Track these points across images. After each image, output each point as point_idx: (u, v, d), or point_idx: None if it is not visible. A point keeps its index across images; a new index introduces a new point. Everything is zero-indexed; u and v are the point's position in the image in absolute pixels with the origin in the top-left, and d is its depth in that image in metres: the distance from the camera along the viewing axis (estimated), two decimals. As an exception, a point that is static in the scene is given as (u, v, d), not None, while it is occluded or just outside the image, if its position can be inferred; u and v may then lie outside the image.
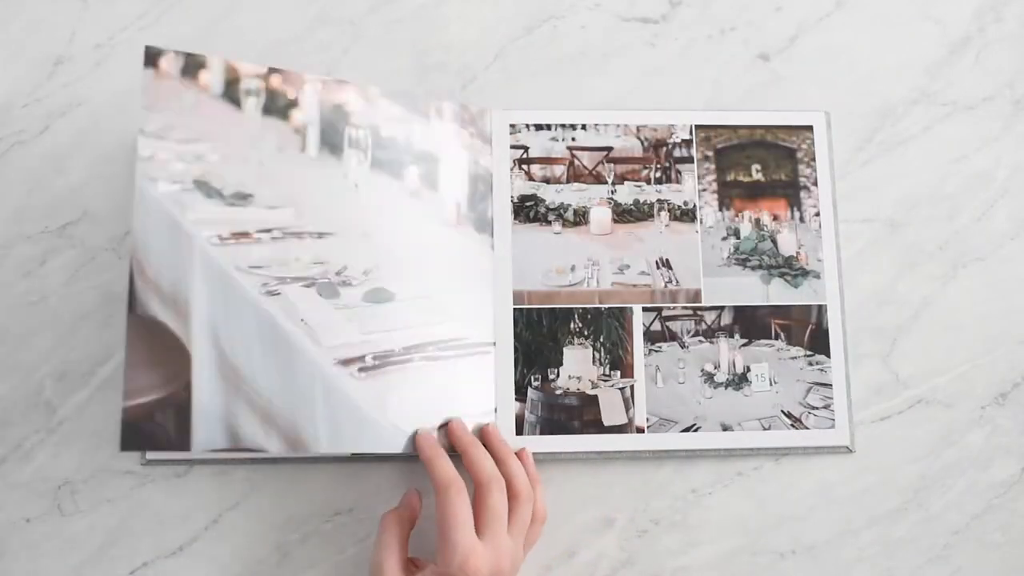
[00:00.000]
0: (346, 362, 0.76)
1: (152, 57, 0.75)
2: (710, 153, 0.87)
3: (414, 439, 0.77)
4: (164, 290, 0.73)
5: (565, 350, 0.83)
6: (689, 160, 0.87)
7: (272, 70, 0.79)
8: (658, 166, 0.87)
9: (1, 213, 0.86)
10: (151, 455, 0.81)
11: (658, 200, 0.86)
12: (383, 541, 0.75)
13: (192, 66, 0.76)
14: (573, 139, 0.87)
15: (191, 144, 0.75)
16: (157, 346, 0.72)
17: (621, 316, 0.84)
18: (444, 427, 0.79)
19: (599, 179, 0.87)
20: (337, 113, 0.80)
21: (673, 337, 0.84)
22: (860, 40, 0.90)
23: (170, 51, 0.76)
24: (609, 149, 0.87)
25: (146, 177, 0.74)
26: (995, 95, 0.90)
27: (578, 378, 0.83)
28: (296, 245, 0.77)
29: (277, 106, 0.79)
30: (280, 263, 0.76)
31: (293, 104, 0.79)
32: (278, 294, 0.76)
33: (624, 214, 0.86)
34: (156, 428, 0.71)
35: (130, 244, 0.74)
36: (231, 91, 0.77)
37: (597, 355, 0.83)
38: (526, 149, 0.86)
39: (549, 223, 0.85)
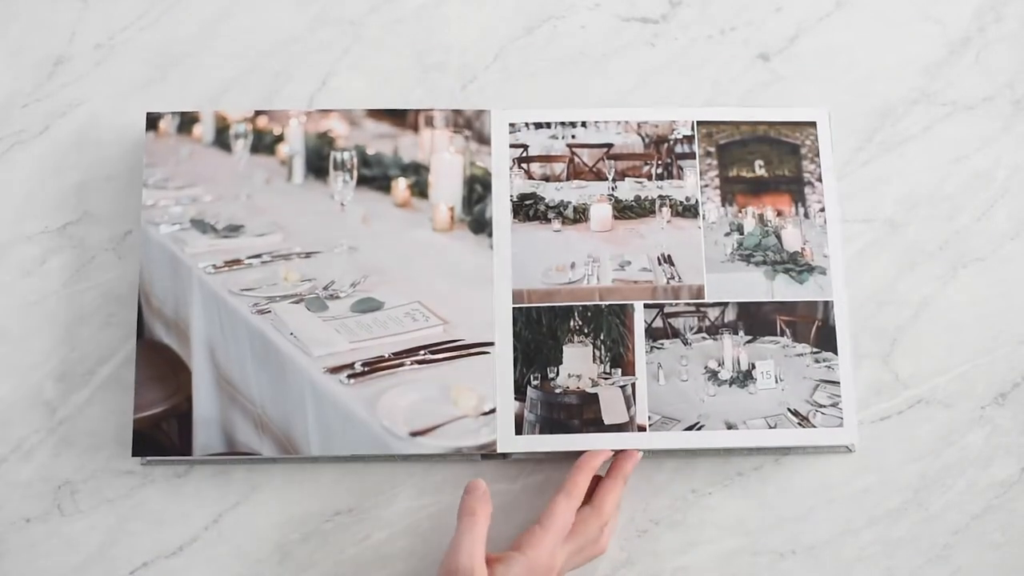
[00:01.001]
0: (335, 370, 0.81)
1: (152, 121, 0.87)
2: (712, 149, 0.87)
3: (588, 451, 0.80)
4: (167, 316, 0.84)
5: (565, 348, 0.83)
6: (691, 156, 0.87)
7: (258, 112, 0.87)
8: (659, 162, 0.87)
9: (1, 213, 0.86)
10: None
11: (659, 196, 0.86)
12: (475, 536, 0.72)
13: (187, 122, 0.87)
14: (573, 136, 0.87)
15: (187, 189, 0.85)
16: (162, 365, 0.83)
17: (622, 313, 0.83)
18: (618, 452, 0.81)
19: (599, 176, 0.87)
20: (322, 141, 0.87)
21: (675, 334, 0.83)
22: (860, 40, 0.91)
23: (167, 113, 0.87)
24: (609, 146, 0.87)
25: (150, 223, 0.85)
26: (995, 95, 0.90)
27: (578, 376, 0.82)
28: (284, 266, 0.84)
29: (264, 143, 0.87)
30: (269, 283, 0.84)
31: (279, 139, 0.87)
32: (268, 312, 0.82)
33: (625, 210, 0.86)
34: (162, 436, 0.82)
35: (138, 279, 0.84)
36: (222, 138, 0.88)
37: (597, 353, 0.83)
38: (526, 148, 0.86)
39: (549, 221, 0.85)
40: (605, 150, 0.87)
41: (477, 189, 0.86)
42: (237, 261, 0.85)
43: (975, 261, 0.87)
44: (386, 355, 0.82)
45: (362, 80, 0.89)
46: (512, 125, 0.86)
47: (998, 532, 0.83)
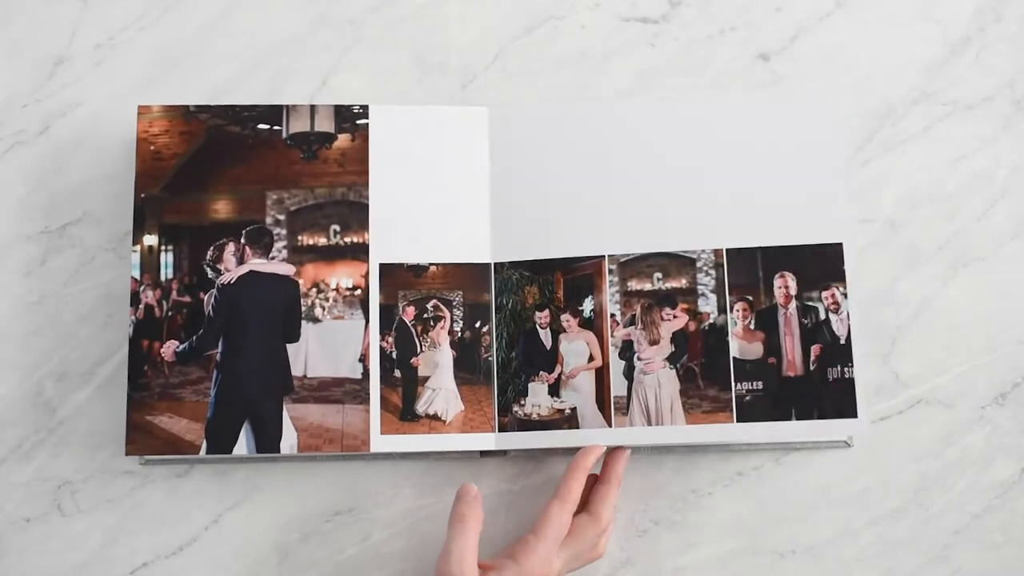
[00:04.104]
0: None
1: None
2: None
3: (580, 450, 0.78)
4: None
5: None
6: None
7: None
8: None
9: (1, 213, 0.86)
10: (151, 455, 0.81)
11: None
12: (465, 542, 0.71)
13: None
14: None
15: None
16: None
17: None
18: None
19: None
20: None
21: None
22: (860, 40, 0.90)
23: None
24: None
25: None
26: (995, 95, 0.89)
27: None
28: None
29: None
30: None
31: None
32: None
33: None
34: None
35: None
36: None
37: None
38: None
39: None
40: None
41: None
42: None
43: (975, 261, 0.87)
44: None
45: (362, 80, 0.89)
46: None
47: (998, 532, 0.83)
